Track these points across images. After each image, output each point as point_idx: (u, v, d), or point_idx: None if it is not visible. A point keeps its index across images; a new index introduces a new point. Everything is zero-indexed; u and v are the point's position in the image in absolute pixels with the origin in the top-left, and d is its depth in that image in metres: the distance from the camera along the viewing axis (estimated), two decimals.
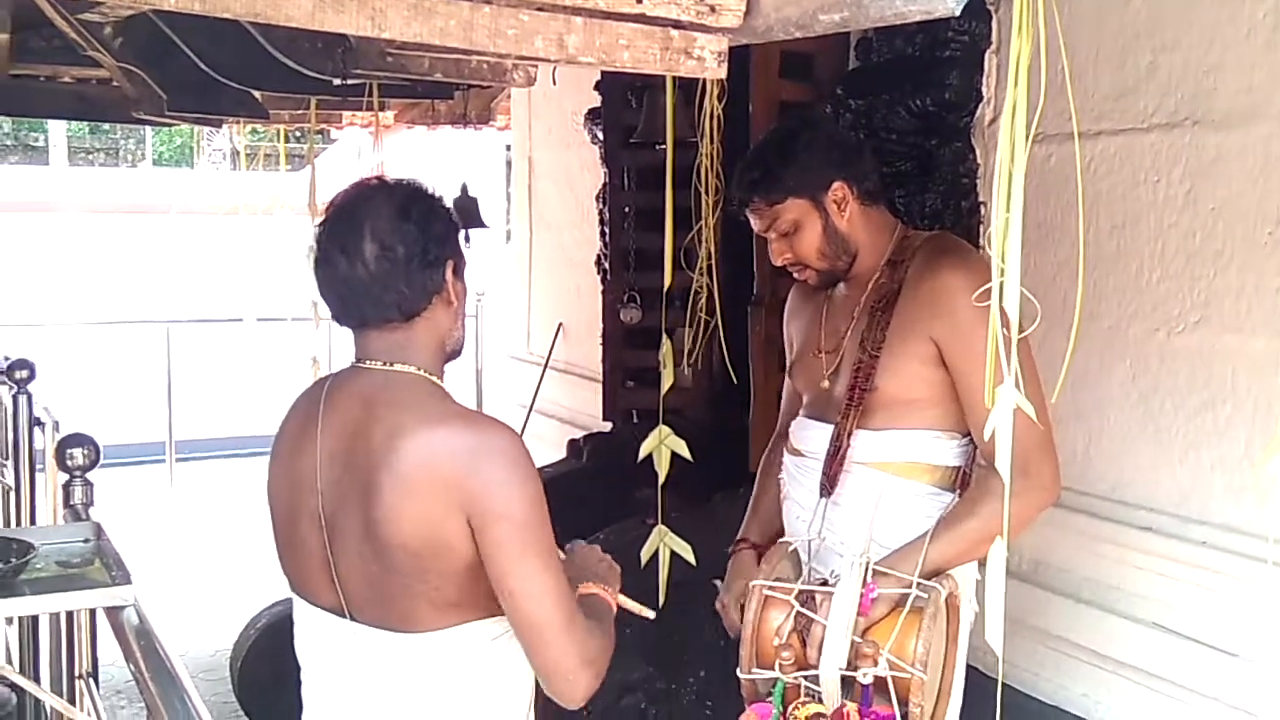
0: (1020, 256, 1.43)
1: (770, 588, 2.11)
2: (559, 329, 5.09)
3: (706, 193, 2.43)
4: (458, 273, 1.75)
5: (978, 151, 3.06)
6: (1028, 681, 2.86)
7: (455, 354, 1.81)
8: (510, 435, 1.66)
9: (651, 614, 2.05)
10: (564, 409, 4.96)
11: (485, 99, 5.69)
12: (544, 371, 5.04)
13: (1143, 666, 2.65)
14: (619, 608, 1.91)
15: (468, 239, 5.00)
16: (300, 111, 5.40)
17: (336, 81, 3.10)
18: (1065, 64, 1.69)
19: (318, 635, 1.78)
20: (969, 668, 2.21)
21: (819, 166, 2.20)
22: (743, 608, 2.24)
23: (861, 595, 2.00)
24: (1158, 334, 2.62)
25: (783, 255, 2.27)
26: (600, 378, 4.41)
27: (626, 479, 3.99)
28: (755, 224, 2.28)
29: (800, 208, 2.20)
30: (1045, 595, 2.85)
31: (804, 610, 2.05)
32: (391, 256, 1.65)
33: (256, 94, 4.31)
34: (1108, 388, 2.72)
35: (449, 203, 1.79)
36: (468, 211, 4.93)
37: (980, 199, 3.06)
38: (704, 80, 2.60)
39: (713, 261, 2.48)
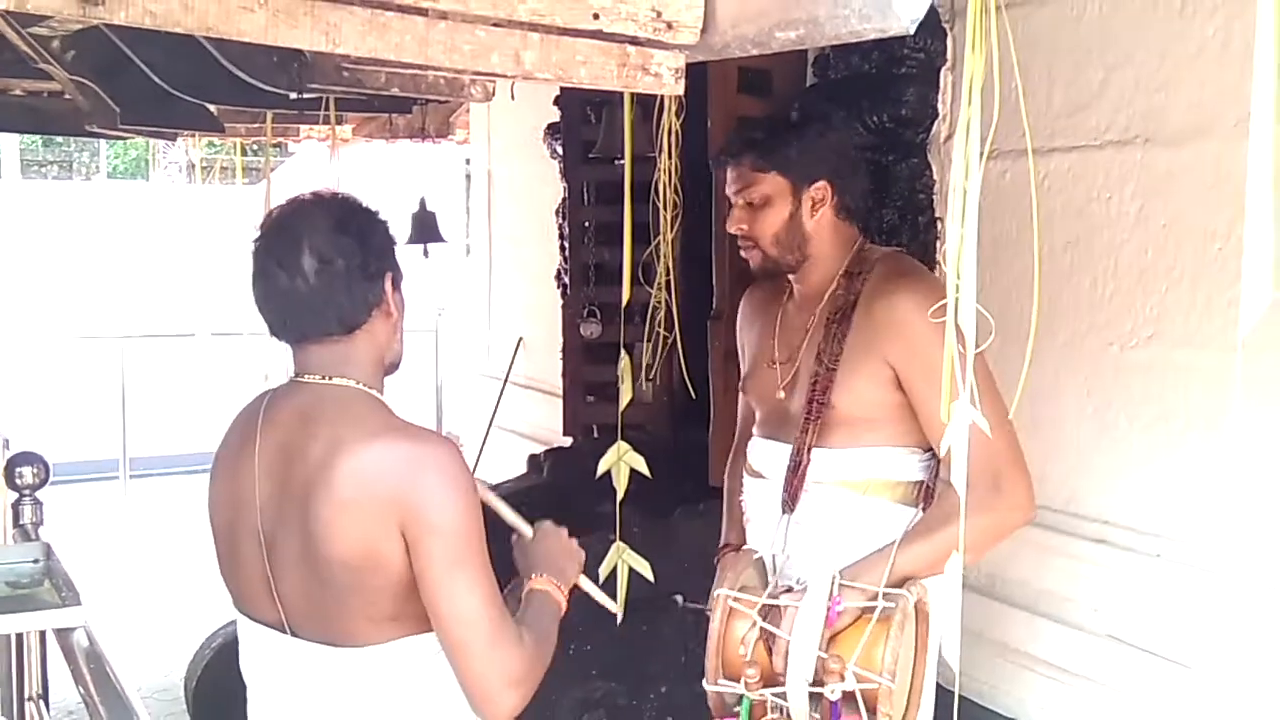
0: (975, 273, 1.45)
1: (735, 598, 2.10)
2: (519, 343, 5.08)
3: (665, 208, 2.43)
4: (396, 285, 1.76)
5: (934, 167, 3.09)
6: (985, 694, 2.88)
7: (394, 367, 1.81)
8: (447, 448, 1.66)
9: (617, 608, 2.04)
10: (524, 424, 4.94)
11: (444, 113, 5.68)
12: (504, 386, 5.02)
13: (1098, 679, 2.67)
14: (575, 594, 1.89)
15: (426, 253, 5.00)
16: (256, 125, 5.37)
17: (292, 96, 3.08)
18: (1019, 81, 1.69)
19: (260, 651, 1.78)
20: None
21: (816, 158, 2.20)
22: None
23: (827, 607, 2.01)
24: (1111, 349, 2.64)
25: (739, 225, 2.25)
26: (560, 392, 4.40)
27: (587, 494, 3.96)
28: (729, 183, 2.26)
29: (778, 186, 2.19)
30: (1002, 608, 2.86)
31: (767, 626, 2.05)
32: (330, 269, 1.66)
33: (211, 108, 4.27)
34: (1063, 403, 2.74)
35: (385, 216, 1.79)
36: (426, 225, 4.91)
37: (937, 214, 3.08)
38: (662, 96, 2.61)
39: (671, 277, 2.48)
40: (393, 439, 1.65)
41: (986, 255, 2.99)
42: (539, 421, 4.92)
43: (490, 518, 1.79)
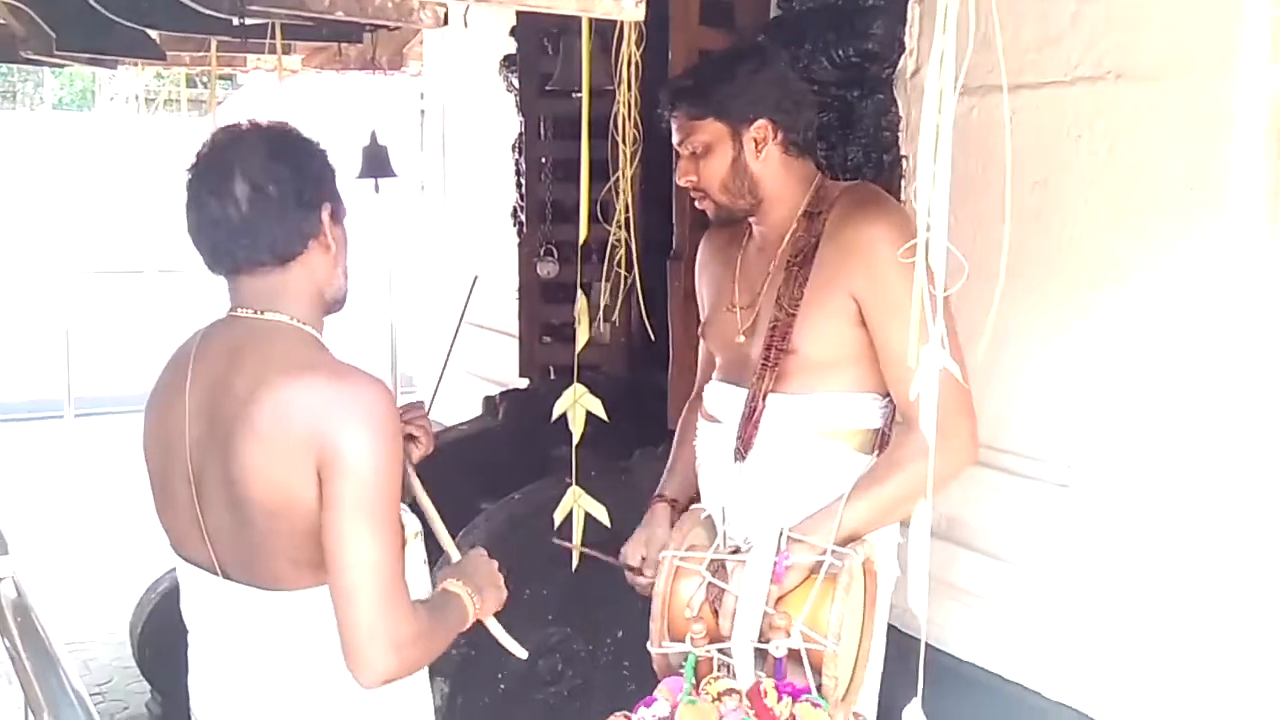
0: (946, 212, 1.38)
1: (682, 558, 2.04)
2: (474, 282, 4.95)
3: (624, 143, 2.33)
4: (335, 218, 1.70)
5: (900, 103, 3.01)
6: (941, 638, 2.86)
7: (337, 304, 1.75)
8: (376, 388, 1.60)
9: (523, 653, 1.95)
10: (480, 365, 4.85)
11: (397, 43, 5.52)
12: (459, 326, 4.90)
13: (1061, 624, 2.65)
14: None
15: (377, 188, 4.86)
16: (200, 54, 5.18)
17: (235, 21, 2.94)
18: (996, 13, 1.61)
19: (194, 593, 1.75)
20: (890, 627, 2.17)
21: (751, 98, 2.11)
22: (644, 559, 2.19)
23: (774, 564, 1.95)
24: (1079, 292, 2.59)
25: (686, 176, 2.19)
26: (516, 333, 4.31)
27: (544, 437, 3.89)
28: (673, 135, 2.20)
29: (716, 131, 2.12)
30: (962, 552, 2.84)
31: (715, 581, 1.99)
32: (263, 196, 1.61)
33: (152, 34, 4.11)
34: (1027, 345, 2.69)
35: (325, 146, 1.73)
36: (377, 160, 4.77)
37: (902, 152, 3.01)
38: (621, 25, 2.50)
39: (631, 215, 2.38)
40: (317, 375, 1.59)
41: (953, 194, 2.94)
42: (495, 363, 4.84)
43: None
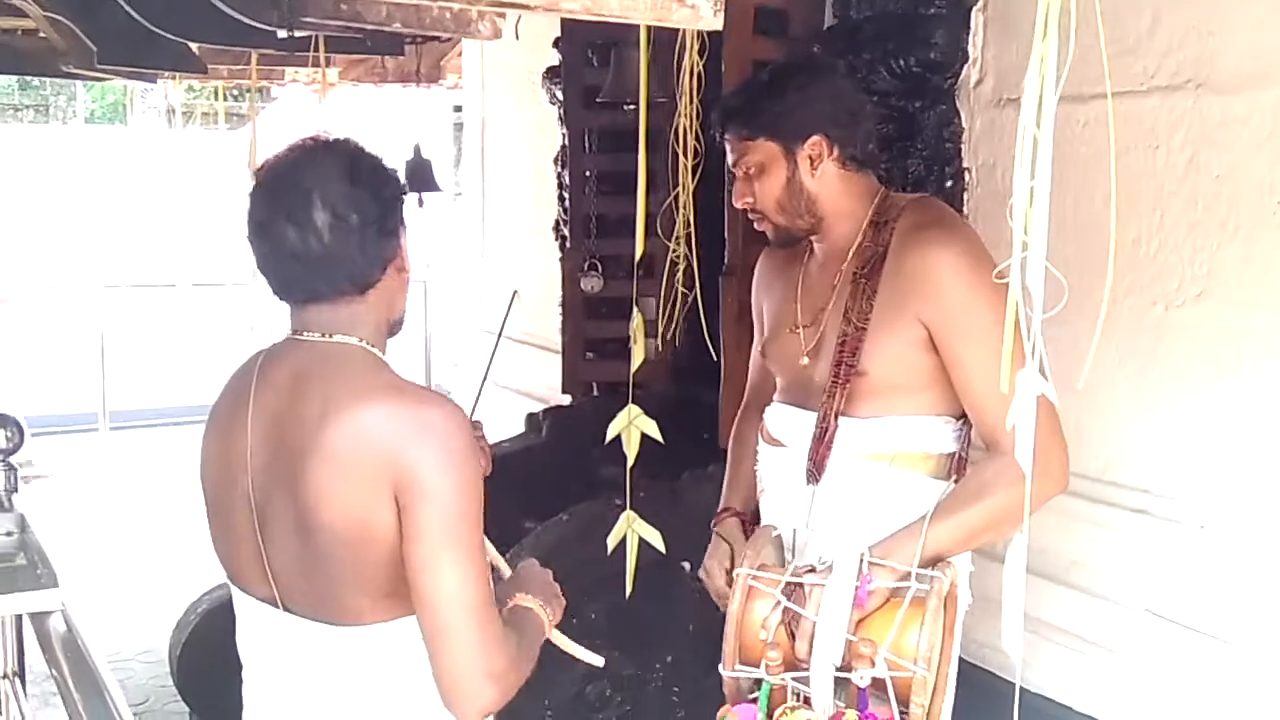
0: (1045, 231, 1.30)
1: (755, 576, 1.96)
2: (514, 296, 4.90)
3: (685, 155, 2.25)
4: (408, 239, 1.64)
5: (963, 115, 2.92)
6: (1008, 667, 2.75)
7: (398, 326, 1.68)
8: (451, 410, 1.53)
9: (599, 660, 1.89)
10: (520, 381, 4.78)
11: (435, 55, 5.47)
12: (498, 341, 4.85)
13: (1133, 655, 2.55)
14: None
15: (421, 203, 4.80)
16: (240, 67, 5.15)
17: (281, 34, 2.89)
18: (1100, 16, 1.53)
19: (253, 628, 1.66)
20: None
21: (803, 114, 2.02)
22: (729, 573, 2.10)
23: (856, 587, 1.86)
24: (1155, 308, 2.49)
25: (743, 198, 2.11)
26: (559, 349, 4.24)
27: (588, 454, 3.83)
28: (729, 155, 2.12)
29: (769, 151, 2.04)
30: (1030, 579, 2.72)
31: (791, 605, 1.90)
32: (345, 225, 1.52)
33: (193, 47, 4.08)
34: (1099, 364, 2.59)
35: (392, 164, 1.66)
36: (421, 174, 4.72)
37: (964, 165, 2.92)
38: (682, 35, 2.43)
39: (692, 229, 2.30)
40: (391, 398, 1.52)
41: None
42: (535, 378, 4.76)
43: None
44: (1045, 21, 1.26)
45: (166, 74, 4.38)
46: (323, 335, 1.58)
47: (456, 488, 1.48)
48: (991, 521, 1.90)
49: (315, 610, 1.57)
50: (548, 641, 1.76)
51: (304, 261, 1.53)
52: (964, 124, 2.92)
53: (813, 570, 1.93)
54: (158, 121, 19.54)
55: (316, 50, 3.74)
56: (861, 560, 1.88)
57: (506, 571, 1.82)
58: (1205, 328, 2.41)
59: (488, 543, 1.77)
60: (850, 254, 2.04)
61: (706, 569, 2.20)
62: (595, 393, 4.17)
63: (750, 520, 2.23)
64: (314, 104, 6.93)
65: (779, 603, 1.90)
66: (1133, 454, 2.53)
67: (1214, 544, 2.40)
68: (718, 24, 1.52)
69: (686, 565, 3.25)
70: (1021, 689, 2.73)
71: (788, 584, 1.92)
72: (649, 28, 2.32)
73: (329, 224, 1.51)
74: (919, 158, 2.90)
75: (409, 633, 1.56)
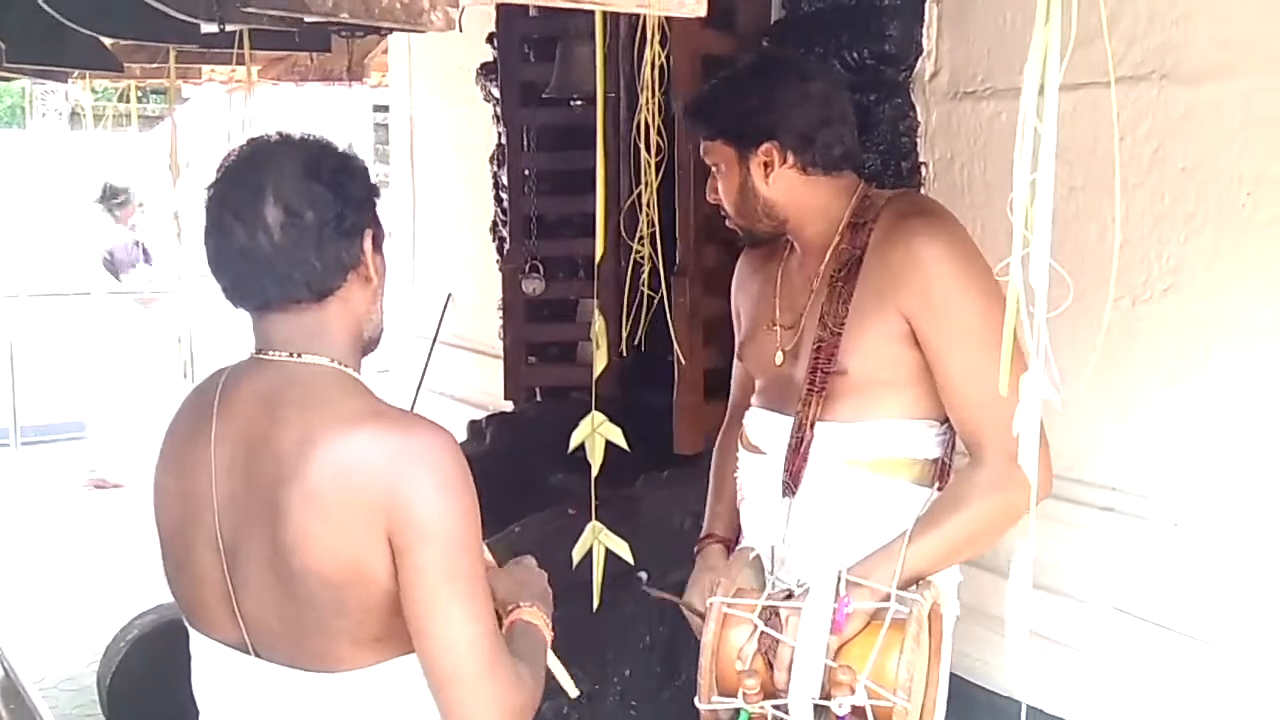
0: (1048, 225, 1.24)
1: (730, 604, 1.87)
2: (448, 299, 4.76)
3: (649, 152, 2.15)
4: (377, 245, 1.49)
5: (918, 108, 2.87)
6: (978, 671, 2.71)
7: (373, 343, 1.54)
8: (442, 438, 1.40)
9: (575, 692, 1.77)
10: (458, 387, 4.65)
11: (360, 53, 5.32)
12: (433, 346, 4.71)
13: (1104, 655, 2.51)
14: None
15: None
16: (155, 66, 4.94)
17: (210, 28, 2.73)
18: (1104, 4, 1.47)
19: (215, 674, 1.52)
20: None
21: (760, 119, 1.92)
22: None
23: (834, 610, 1.78)
24: (1121, 302, 2.46)
25: (712, 194, 2.04)
26: (498, 353, 4.12)
27: (535, 462, 3.72)
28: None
29: (724, 154, 1.96)
30: (998, 580, 2.68)
31: (768, 630, 1.82)
32: (299, 223, 1.39)
33: (107, 43, 3.89)
34: (1065, 360, 2.54)
35: (364, 161, 1.52)
36: None
37: (921, 159, 2.87)
38: (641, 25, 2.33)
39: (657, 229, 2.21)
40: (377, 428, 1.38)
41: (978, 203, 2.81)
42: (473, 384, 4.64)
43: None
44: (1048, 7, 1.20)
45: (79, 72, 4.18)
46: (290, 354, 1.44)
47: (456, 521, 1.37)
48: (975, 533, 1.84)
49: (291, 657, 1.44)
50: None
51: (252, 261, 1.40)
52: (919, 118, 2.87)
53: (790, 595, 1.85)
54: (59, 124, 18.89)
55: (240, 47, 3.57)
56: (839, 580, 1.80)
57: (493, 563, 1.68)
58: (1173, 322, 2.38)
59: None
60: (828, 255, 1.96)
61: (688, 603, 2.11)
62: (538, 398, 4.06)
63: (733, 545, 2.14)
64: (228, 104, 6.71)
65: (755, 629, 1.82)
66: (1100, 451, 2.50)
67: (1186, 541, 2.37)
68: (700, 10, 1.43)
69: (643, 575, 3.16)
70: (991, 692, 2.70)
71: (764, 608, 1.83)
72: (604, 18, 2.22)
73: (280, 221, 1.39)
74: (875, 153, 2.84)
75: (394, 678, 1.45)
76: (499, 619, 1.54)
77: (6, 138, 20.83)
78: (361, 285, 1.47)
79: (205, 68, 5.33)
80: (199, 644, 1.52)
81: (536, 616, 1.60)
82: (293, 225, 1.39)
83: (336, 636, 1.40)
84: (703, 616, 1.99)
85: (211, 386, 1.50)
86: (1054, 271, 1.16)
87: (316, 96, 7.75)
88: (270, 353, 1.45)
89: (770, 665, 1.80)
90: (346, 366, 1.46)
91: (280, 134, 1.47)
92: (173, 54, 4.03)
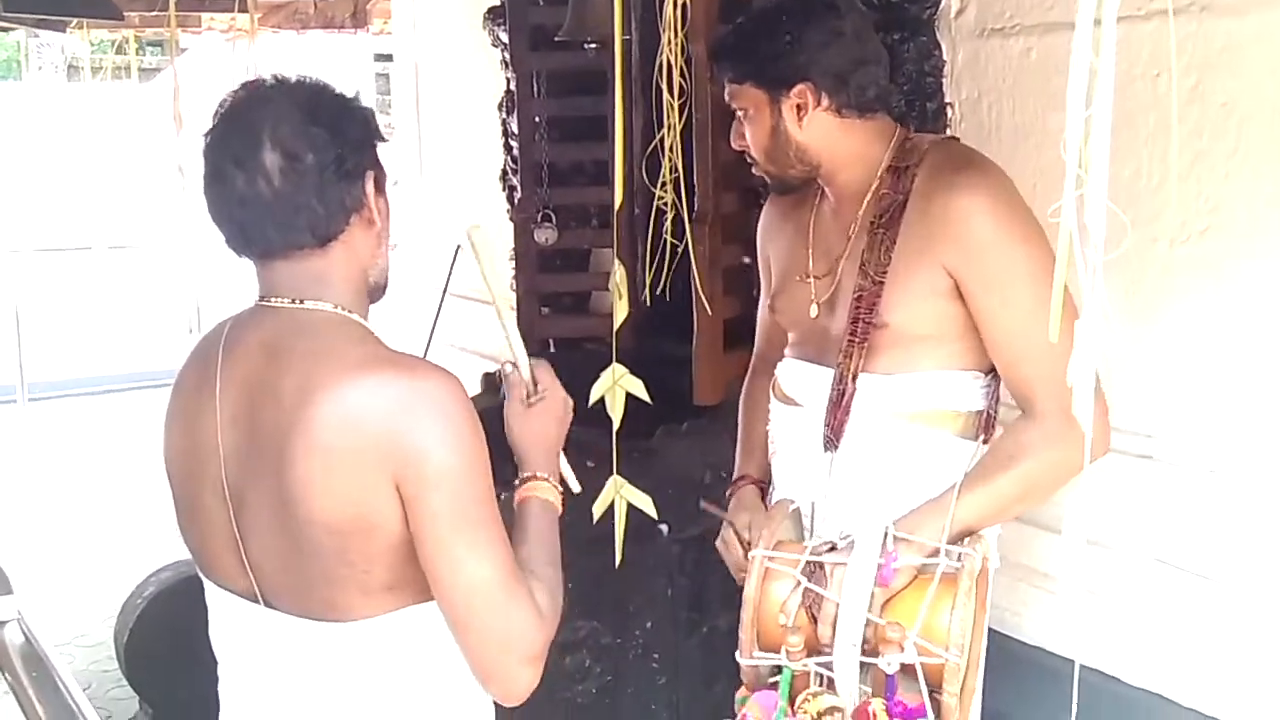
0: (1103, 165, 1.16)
1: (771, 557, 1.82)
2: (457, 251, 4.67)
3: (672, 94, 2.07)
4: (380, 187, 1.48)
5: (944, 47, 2.78)
6: (1010, 623, 2.67)
7: (380, 290, 1.53)
8: (449, 383, 1.40)
9: (578, 487, 1.77)
10: (470, 339, 4.59)
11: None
12: (443, 297, 4.61)
13: (1140, 605, 2.47)
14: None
15: None
16: (154, 15, 4.85)
17: None
18: None
19: (229, 624, 1.53)
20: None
21: (792, 60, 1.85)
22: (747, 545, 1.96)
23: (880, 565, 1.74)
24: (1157, 245, 2.39)
25: (738, 140, 1.98)
26: (512, 305, 4.04)
27: None
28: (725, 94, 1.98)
29: (754, 98, 1.89)
30: (1026, 529, 2.64)
31: (811, 585, 1.78)
32: (299, 167, 1.38)
33: None
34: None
35: (365, 103, 1.50)
36: None
37: (947, 99, 2.79)
38: None
39: (680, 175, 2.14)
40: (382, 373, 1.37)
41: (1006, 145, 2.73)
42: (485, 336, 4.57)
43: None
44: None
45: (78, 19, 4.09)
46: (292, 300, 1.43)
47: (465, 466, 1.36)
48: (1025, 490, 1.79)
49: (301, 606, 1.43)
50: None
51: (253, 208, 1.39)
52: (945, 57, 2.78)
53: (833, 548, 1.80)
54: (55, 76, 18.71)
55: None
56: (885, 535, 1.76)
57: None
58: (1212, 264, 2.31)
59: (562, 459, 1.66)
60: (866, 200, 1.89)
61: (724, 540, 2.07)
62: (551, 349, 3.99)
63: (768, 486, 2.09)
64: (228, 54, 6.59)
65: (799, 583, 1.78)
66: (1136, 398, 2.44)
67: (1224, 488, 2.32)
68: None
69: (664, 528, 3.12)
70: (1021, 643, 2.67)
71: (807, 563, 1.79)
72: None
73: (279, 165, 1.37)
74: (899, 93, 2.75)
75: (406, 626, 1.44)
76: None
77: (3, 91, 20.65)
78: (365, 229, 1.46)
79: (205, 16, 5.24)
80: (212, 594, 1.53)
81: (548, 491, 1.59)
82: (292, 169, 1.37)
83: (344, 585, 1.40)
84: (743, 545, 1.94)
85: (216, 336, 1.49)
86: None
87: (318, 45, 7.62)
88: (274, 300, 1.44)
89: (814, 620, 1.76)
90: (352, 312, 1.45)
91: (276, 77, 1.44)
92: (172, 1, 3.93)
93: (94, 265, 7.00)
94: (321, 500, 1.35)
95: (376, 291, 1.52)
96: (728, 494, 2.16)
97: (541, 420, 1.65)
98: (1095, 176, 1.16)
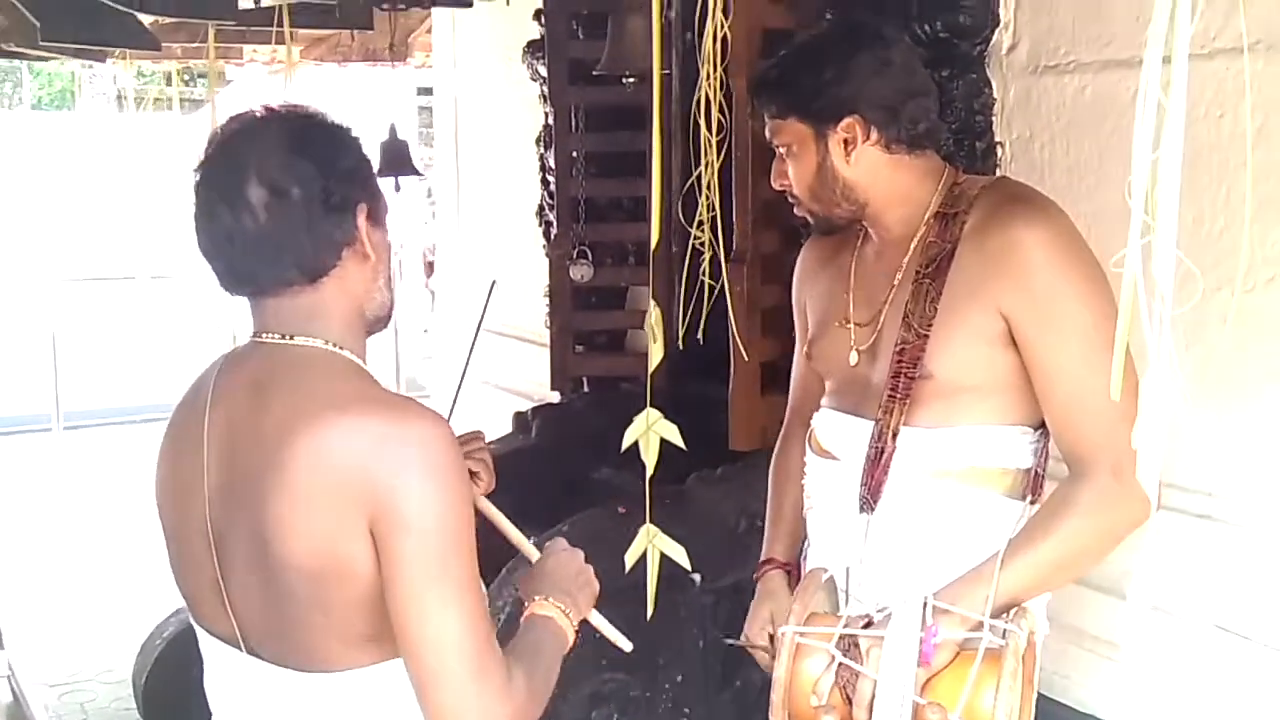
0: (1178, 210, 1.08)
1: (803, 633, 1.71)
2: (492, 286, 4.61)
3: (710, 131, 1.99)
4: (375, 219, 1.41)
5: (994, 84, 2.68)
6: (1058, 687, 2.54)
7: (381, 322, 1.47)
8: (434, 424, 1.32)
9: (628, 645, 1.69)
10: (503, 376, 4.53)
11: (404, 32, 5.19)
12: (477, 334, 4.55)
13: (1197, 673, 2.34)
14: (580, 634, 1.56)
15: (398, 187, 4.52)
16: (195, 45, 4.85)
17: (243, 4, 2.61)
18: None
19: (218, 670, 1.47)
20: None
21: (839, 91, 1.75)
22: (773, 639, 1.86)
23: (920, 641, 1.62)
24: (1220, 293, 2.27)
25: (779, 179, 1.87)
26: (544, 342, 3.98)
27: (581, 456, 3.58)
28: (766, 131, 1.88)
29: (798, 133, 1.79)
30: (1079, 590, 2.51)
31: (847, 661, 1.66)
32: (285, 201, 1.33)
33: (144, 21, 3.79)
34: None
35: (359, 134, 1.45)
36: (397, 156, 4.44)
37: (997, 139, 2.69)
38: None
39: (717, 213, 2.05)
40: (362, 412, 1.31)
41: (1059, 187, 2.62)
42: (519, 373, 4.51)
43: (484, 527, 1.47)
44: None
45: (116, 53, 4.08)
46: (283, 336, 1.38)
47: (442, 514, 1.29)
48: (1073, 557, 1.68)
49: (280, 654, 1.37)
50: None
51: (241, 245, 1.34)
52: (995, 95, 2.68)
53: (870, 622, 1.69)
54: (107, 107, 18.99)
55: (279, 24, 3.44)
56: (925, 607, 1.64)
57: (535, 556, 1.62)
58: (1276, 314, 2.19)
59: (511, 527, 1.60)
60: (913, 246, 1.79)
61: (748, 637, 1.95)
62: (585, 388, 3.92)
63: (796, 569, 1.98)
64: (272, 86, 6.61)
65: (833, 659, 1.67)
66: (1195, 454, 2.31)
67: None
68: None
69: (696, 578, 3.02)
70: (1069, 708, 2.53)
71: (842, 636, 1.68)
72: None
73: (265, 201, 1.32)
74: (947, 131, 2.65)
75: (390, 680, 1.36)
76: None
77: (57, 120, 20.99)
78: (359, 263, 1.40)
79: (247, 48, 5.24)
80: (201, 638, 1.47)
81: (549, 609, 1.51)
82: (278, 204, 1.32)
83: (321, 633, 1.33)
84: (768, 652, 1.84)
85: (209, 373, 1.44)
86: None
87: (360, 78, 7.64)
88: (265, 336, 1.39)
89: (849, 700, 1.65)
90: (343, 349, 1.39)
91: (267, 108, 1.40)
92: (212, 32, 3.91)
93: (136, 295, 7.00)
94: (295, 543, 1.29)
95: (378, 324, 1.47)
96: (754, 578, 2.05)
97: (551, 565, 1.60)
98: (1163, 223, 1.07)
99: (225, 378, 1.42)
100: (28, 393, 7.48)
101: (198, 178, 1.38)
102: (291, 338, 1.38)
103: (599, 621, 1.64)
